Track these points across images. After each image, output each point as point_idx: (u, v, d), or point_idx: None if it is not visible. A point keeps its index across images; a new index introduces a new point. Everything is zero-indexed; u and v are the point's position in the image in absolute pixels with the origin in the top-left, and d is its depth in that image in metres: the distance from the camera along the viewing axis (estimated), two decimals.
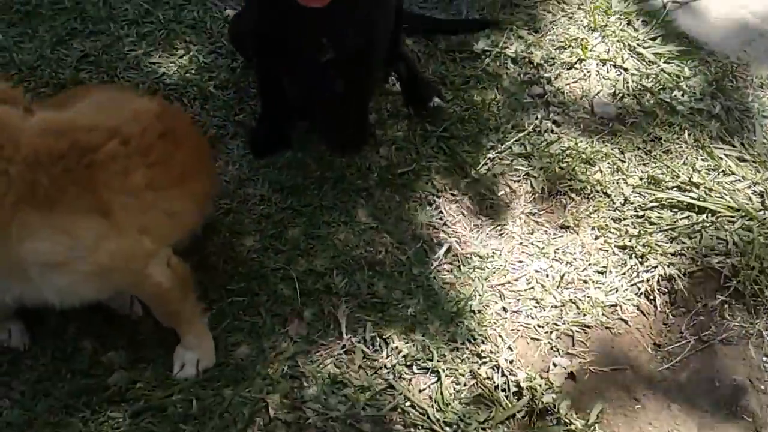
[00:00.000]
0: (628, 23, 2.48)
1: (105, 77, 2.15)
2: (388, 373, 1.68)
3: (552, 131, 2.17)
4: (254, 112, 2.12)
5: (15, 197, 1.27)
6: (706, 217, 1.98)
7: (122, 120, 1.46)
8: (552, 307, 1.82)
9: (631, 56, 2.38)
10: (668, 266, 1.89)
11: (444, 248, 1.91)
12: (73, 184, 1.33)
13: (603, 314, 1.82)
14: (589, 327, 1.80)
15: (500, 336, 1.76)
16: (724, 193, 2.03)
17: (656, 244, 1.93)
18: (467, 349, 1.72)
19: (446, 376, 1.68)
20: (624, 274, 1.89)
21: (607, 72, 2.34)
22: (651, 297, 1.86)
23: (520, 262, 1.90)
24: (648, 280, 1.87)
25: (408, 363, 1.69)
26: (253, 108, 2.13)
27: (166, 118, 1.53)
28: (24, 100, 1.42)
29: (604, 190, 2.04)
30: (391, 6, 1.90)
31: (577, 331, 1.79)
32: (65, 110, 1.51)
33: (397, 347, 1.71)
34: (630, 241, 1.93)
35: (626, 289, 1.86)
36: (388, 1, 1.86)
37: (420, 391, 1.66)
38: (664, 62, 2.37)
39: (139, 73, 2.17)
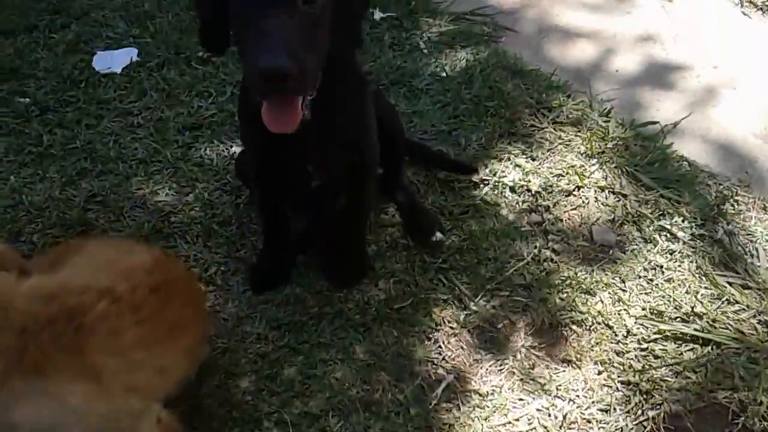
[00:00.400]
0: (626, 148, 2.52)
1: (112, 217, 2.21)
2: None
3: (551, 260, 2.17)
4: (255, 248, 2.15)
5: (4, 365, 1.29)
6: (711, 349, 1.94)
7: (114, 278, 1.49)
8: None
9: (630, 182, 2.40)
10: (674, 403, 1.84)
11: (443, 385, 1.88)
12: (61, 350, 1.35)
13: None
14: None
15: None
16: (729, 324, 1.99)
17: (661, 380, 1.88)
18: None
19: None
20: (629, 412, 1.83)
21: (606, 198, 2.36)
22: None
23: (521, 399, 1.86)
24: (654, 418, 1.82)
25: None
26: (254, 244, 2.17)
27: (158, 272, 1.56)
28: (19, 260, 1.47)
29: (606, 322, 2.01)
30: (373, 127, 1.89)
31: None
32: (58, 270, 1.55)
33: None
34: (634, 377, 1.89)
35: (631, 429, 1.80)
36: (370, 122, 1.87)
37: None
38: (663, 187, 2.39)
39: (146, 212, 2.23)
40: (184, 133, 2.48)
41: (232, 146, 2.44)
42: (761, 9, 3.26)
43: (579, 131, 2.58)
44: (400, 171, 2.25)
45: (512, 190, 2.36)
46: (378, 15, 3.03)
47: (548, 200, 2.34)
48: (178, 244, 2.16)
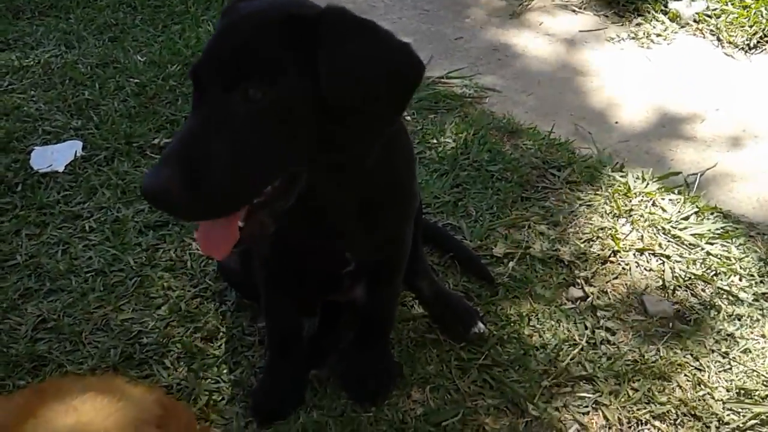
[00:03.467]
0: (654, 204, 2.24)
1: (68, 346, 1.77)
2: None
3: (608, 342, 1.83)
4: (253, 366, 1.74)
5: None
6: None
7: None
8: None
9: (669, 241, 2.11)
10: None
11: None
12: None
13: None
14: None
15: None
16: None
17: None
18: None
19: None
20: None
21: (648, 262, 2.06)
22: None
23: None
24: None
25: None
26: (251, 360, 1.76)
27: (171, 423, 1.18)
28: None
29: (692, 412, 1.67)
30: (414, 207, 1.57)
31: None
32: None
33: None
34: None
35: None
36: (411, 202, 1.53)
37: None
38: (707, 243, 2.10)
39: (109, 335, 1.80)
40: (147, 234, 2.07)
41: None
42: (743, 49, 3.12)
43: (597, 189, 2.29)
44: (419, 253, 1.90)
45: (542, 262, 2.04)
46: None
47: (585, 270, 2.02)
48: (156, 371, 1.73)
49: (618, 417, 1.66)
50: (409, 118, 2.61)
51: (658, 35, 3.19)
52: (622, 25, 3.28)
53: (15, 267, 1.97)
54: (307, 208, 1.24)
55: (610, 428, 1.65)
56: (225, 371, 1.73)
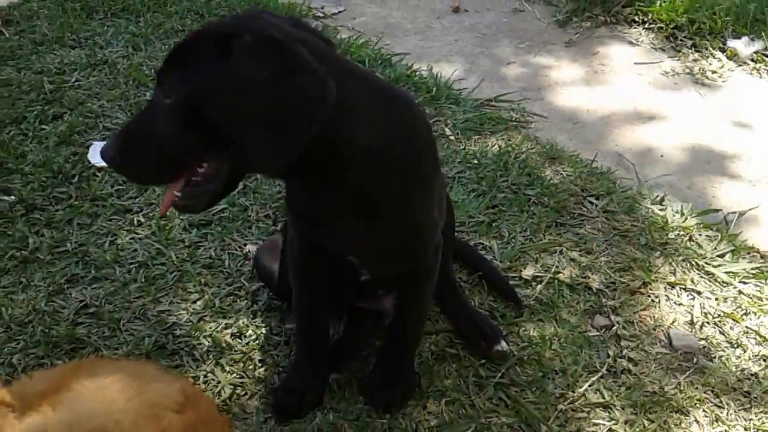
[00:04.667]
0: (690, 239, 2.24)
1: (106, 331, 1.87)
2: None
3: (629, 372, 1.83)
4: (277, 365, 1.81)
5: None
6: None
7: (136, 418, 1.19)
8: None
9: (702, 277, 2.10)
10: None
11: None
12: None
13: None
14: None
15: None
16: None
17: None
18: None
19: None
20: None
21: (678, 296, 2.05)
22: None
23: None
24: None
25: None
26: (276, 359, 1.82)
27: (189, 411, 1.25)
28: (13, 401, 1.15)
29: None
30: (436, 230, 1.57)
31: None
32: (62, 400, 1.25)
33: None
34: None
35: None
36: (430, 227, 1.53)
37: None
38: (740, 282, 2.09)
39: (146, 325, 1.89)
40: (191, 232, 2.17)
41: (245, 244, 2.13)
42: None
43: (634, 221, 2.30)
44: (448, 267, 1.94)
45: (570, 288, 2.05)
46: None
47: (613, 300, 2.03)
48: (185, 362, 1.81)
49: None
50: (452, 137, 2.66)
51: (714, 72, 3.17)
52: (678, 59, 3.27)
53: (65, 254, 2.08)
54: (308, 201, 1.39)
55: None
56: (250, 367, 1.80)
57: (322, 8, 3.59)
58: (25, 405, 1.32)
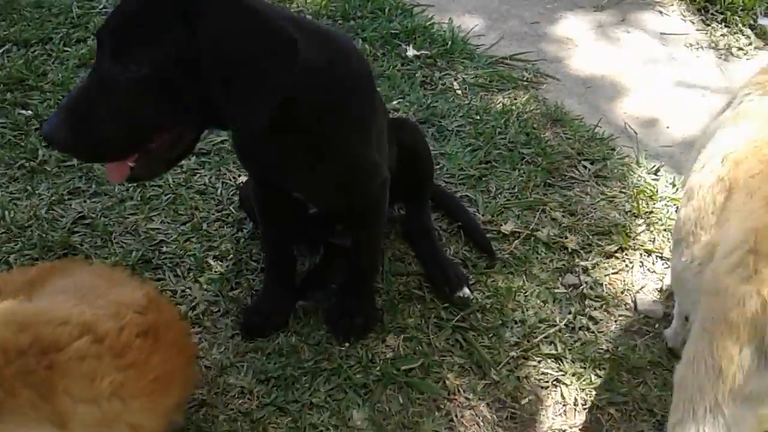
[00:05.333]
0: (677, 210, 2.25)
1: (98, 242, 2.00)
2: None
3: (588, 329, 1.89)
4: (251, 288, 1.92)
5: None
6: None
7: (99, 313, 1.30)
8: None
9: None
10: None
11: None
12: (28, 387, 1.16)
13: None
14: None
15: None
16: None
17: None
18: None
19: None
20: None
21: (653, 264, 2.09)
22: None
23: None
24: None
25: None
26: (251, 283, 1.93)
27: (150, 313, 1.36)
28: None
29: (650, 408, 1.72)
30: (378, 170, 1.62)
31: None
32: (37, 293, 1.38)
33: None
34: None
35: None
36: (372, 167, 1.59)
37: None
38: None
39: (136, 239, 2.01)
40: (190, 159, 2.27)
41: (239, 175, 2.22)
42: None
43: (624, 188, 2.32)
44: (424, 214, 2.02)
45: (546, 246, 2.10)
46: (411, 52, 2.84)
47: (587, 261, 2.07)
48: (167, 276, 1.93)
49: (574, 397, 1.73)
50: (459, 92, 2.69)
51: (740, 49, 3.11)
52: (705, 32, 3.21)
53: (70, 168, 2.21)
54: (256, 147, 1.46)
55: (564, 405, 1.72)
56: (227, 288, 1.91)
57: None
58: (4, 295, 1.45)
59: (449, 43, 2.90)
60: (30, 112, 2.39)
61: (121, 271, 1.59)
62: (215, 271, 1.95)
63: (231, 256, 1.99)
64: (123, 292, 1.45)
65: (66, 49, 2.67)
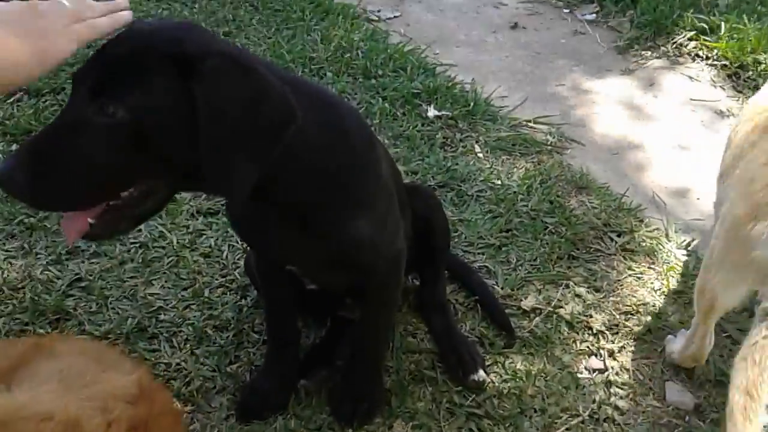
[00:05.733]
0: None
1: (93, 306, 1.89)
2: None
3: (613, 421, 1.74)
4: (251, 363, 1.79)
5: None
6: None
7: (86, 406, 1.19)
8: None
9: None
10: None
11: None
12: None
13: None
14: None
15: None
16: None
17: None
18: None
19: None
20: None
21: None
22: None
23: None
24: None
25: None
26: (251, 357, 1.81)
27: (143, 404, 1.24)
28: None
29: None
30: (387, 240, 1.48)
31: None
32: (18, 378, 1.27)
33: None
34: None
35: None
36: (376, 235, 1.42)
37: None
38: None
39: (133, 305, 1.91)
40: (197, 218, 2.18)
41: None
42: None
43: (653, 263, 2.18)
44: (439, 287, 1.90)
45: (569, 325, 1.97)
46: (432, 112, 2.76)
47: (613, 343, 1.93)
48: (162, 347, 1.81)
49: None
50: (480, 155, 2.59)
51: None
52: (737, 100, 3.10)
53: None
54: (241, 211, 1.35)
55: None
56: (225, 362, 1.79)
57: (378, 11, 3.57)
58: None
59: (471, 103, 2.82)
60: None
61: (111, 351, 1.48)
62: (214, 343, 1.83)
63: (232, 326, 1.87)
64: (112, 380, 1.33)
65: None
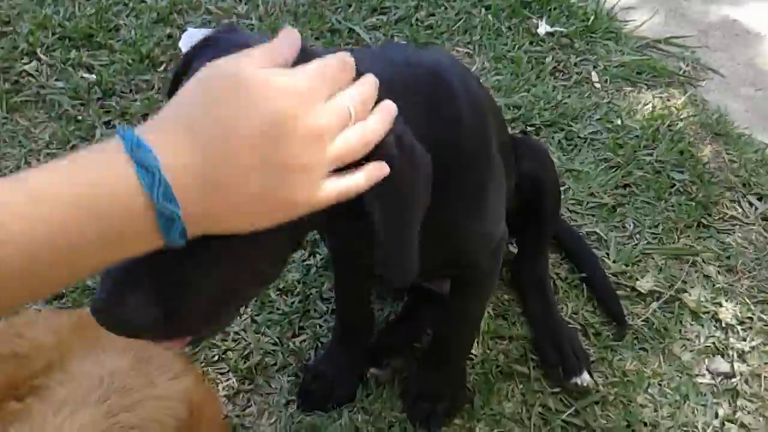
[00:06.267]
0: None
1: None
2: None
3: None
4: (317, 337, 1.57)
5: None
6: None
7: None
8: None
9: None
10: None
11: None
12: None
13: None
14: None
15: None
16: None
17: None
18: None
19: None
20: None
21: None
22: None
23: None
24: None
25: None
26: (317, 330, 1.58)
27: (186, 423, 1.04)
28: None
29: None
30: (486, 232, 1.17)
31: None
32: (56, 380, 1.09)
33: None
34: None
35: None
36: (482, 228, 1.14)
37: None
38: None
39: None
40: None
41: None
42: None
43: None
44: (542, 260, 1.61)
45: (694, 315, 1.65)
46: (543, 28, 2.35)
47: (744, 341, 1.61)
48: None
49: None
50: (598, 84, 2.20)
51: None
52: None
53: None
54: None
55: None
56: (288, 334, 1.58)
57: None
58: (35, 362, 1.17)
59: (591, 17, 2.38)
60: (94, 76, 2.08)
61: (157, 352, 1.26)
62: (277, 310, 1.61)
63: (297, 290, 1.64)
64: (160, 398, 1.13)
65: (144, 0, 2.33)
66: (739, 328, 1.63)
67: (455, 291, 1.33)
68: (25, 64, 2.12)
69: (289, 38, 0.71)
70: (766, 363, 1.58)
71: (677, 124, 2.07)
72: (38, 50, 2.14)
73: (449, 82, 0.99)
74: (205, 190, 0.61)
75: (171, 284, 0.70)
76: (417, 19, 2.32)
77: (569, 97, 2.13)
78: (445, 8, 2.37)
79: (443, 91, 0.97)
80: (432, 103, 0.93)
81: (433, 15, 2.35)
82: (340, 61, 0.71)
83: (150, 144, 0.60)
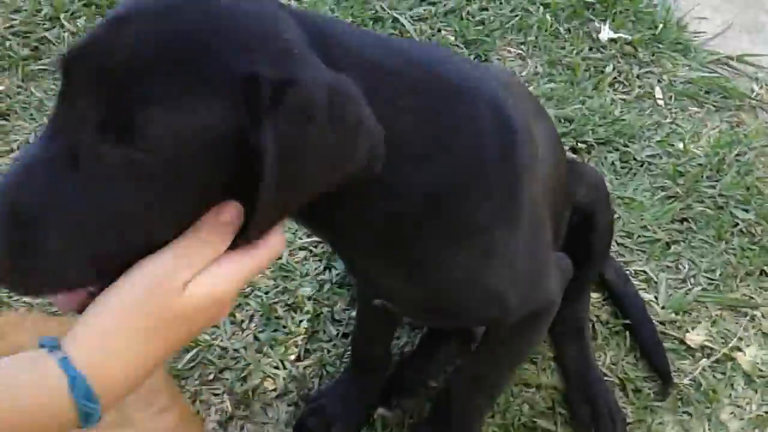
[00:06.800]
0: None
1: None
2: None
3: None
4: (323, 364, 1.42)
5: None
6: None
7: None
8: None
9: None
10: None
11: None
12: None
13: None
14: None
15: None
16: None
17: None
18: None
19: None
20: None
21: None
22: None
23: None
24: None
25: None
26: (324, 354, 1.44)
27: None
28: None
29: None
30: (543, 269, 1.03)
31: None
32: None
33: None
34: None
35: None
36: (501, 274, 0.96)
37: None
38: None
39: None
40: None
41: None
42: None
43: None
44: (581, 304, 1.43)
45: (747, 379, 1.47)
46: (606, 33, 2.14)
47: None
48: (222, 323, 1.46)
49: None
50: (661, 102, 2.00)
51: None
52: None
53: None
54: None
55: None
56: (291, 356, 1.43)
57: None
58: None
59: (660, 25, 2.17)
60: None
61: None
62: (283, 327, 1.46)
63: (307, 308, 1.49)
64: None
65: None
66: None
67: (483, 342, 1.17)
68: (46, 30, 1.99)
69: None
70: None
71: (746, 154, 1.86)
72: (62, 16, 2.01)
73: (511, 119, 0.83)
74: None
75: (26, 217, 0.63)
76: (468, 13, 2.13)
77: (628, 113, 1.93)
78: (500, 3, 2.18)
79: (504, 130, 0.81)
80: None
81: (486, 9, 2.16)
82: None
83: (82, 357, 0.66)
